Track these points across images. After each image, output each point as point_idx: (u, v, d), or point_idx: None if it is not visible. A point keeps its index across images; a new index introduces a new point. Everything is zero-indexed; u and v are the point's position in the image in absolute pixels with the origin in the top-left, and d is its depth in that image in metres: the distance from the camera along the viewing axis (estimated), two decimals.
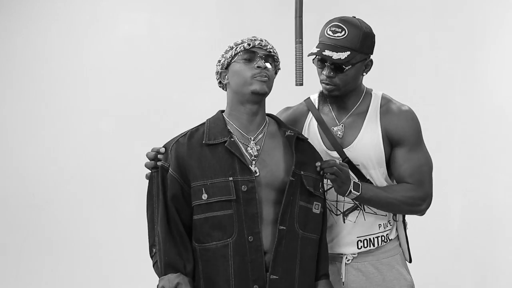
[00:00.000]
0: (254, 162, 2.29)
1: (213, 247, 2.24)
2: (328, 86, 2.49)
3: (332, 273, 2.54)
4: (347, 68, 2.44)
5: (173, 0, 4.58)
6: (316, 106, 2.62)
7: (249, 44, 2.31)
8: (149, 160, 2.36)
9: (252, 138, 2.33)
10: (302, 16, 2.53)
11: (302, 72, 2.49)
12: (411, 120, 2.52)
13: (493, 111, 4.21)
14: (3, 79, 4.64)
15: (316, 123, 2.59)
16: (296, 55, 2.45)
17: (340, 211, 2.57)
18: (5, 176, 4.62)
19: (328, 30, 2.45)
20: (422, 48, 4.39)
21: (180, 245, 2.26)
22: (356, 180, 2.47)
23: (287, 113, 2.70)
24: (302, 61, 2.50)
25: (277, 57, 2.38)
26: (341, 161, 2.46)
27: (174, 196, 2.28)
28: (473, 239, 4.25)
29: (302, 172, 2.32)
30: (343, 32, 2.42)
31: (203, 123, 2.39)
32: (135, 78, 4.52)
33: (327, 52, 2.41)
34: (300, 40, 2.49)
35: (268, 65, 2.31)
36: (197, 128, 2.37)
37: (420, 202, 2.49)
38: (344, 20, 2.45)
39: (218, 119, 2.36)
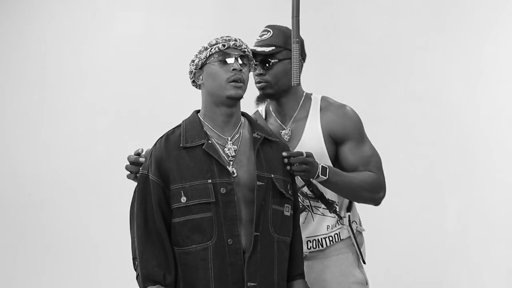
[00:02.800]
0: (231, 162, 2.29)
1: (192, 250, 2.24)
2: (259, 84, 2.64)
3: None
4: (272, 61, 2.60)
5: None
6: (264, 117, 2.74)
7: (224, 45, 2.31)
8: (129, 163, 2.44)
9: (229, 139, 2.33)
10: (299, 16, 2.52)
11: (300, 72, 2.49)
12: (352, 116, 2.65)
13: (491, 111, 4.21)
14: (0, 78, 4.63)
15: None
16: (293, 55, 2.45)
17: None
18: (1, 176, 4.61)
19: (258, 36, 2.68)
20: (419, 47, 4.38)
21: (160, 254, 2.24)
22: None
23: None
24: (299, 61, 2.50)
25: (252, 56, 2.40)
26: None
27: (160, 200, 2.27)
28: (469, 239, 4.25)
29: (272, 175, 2.32)
30: (268, 33, 2.66)
31: (179, 125, 2.38)
32: (131, 77, 4.52)
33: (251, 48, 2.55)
34: (297, 40, 2.48)
35: (243, 67, 2.32)
36: (173, 130, 2.36)
37: (378, 190, 2.61)
38: (270, 25, 2.69)
39: (194, 121, 2.36)
